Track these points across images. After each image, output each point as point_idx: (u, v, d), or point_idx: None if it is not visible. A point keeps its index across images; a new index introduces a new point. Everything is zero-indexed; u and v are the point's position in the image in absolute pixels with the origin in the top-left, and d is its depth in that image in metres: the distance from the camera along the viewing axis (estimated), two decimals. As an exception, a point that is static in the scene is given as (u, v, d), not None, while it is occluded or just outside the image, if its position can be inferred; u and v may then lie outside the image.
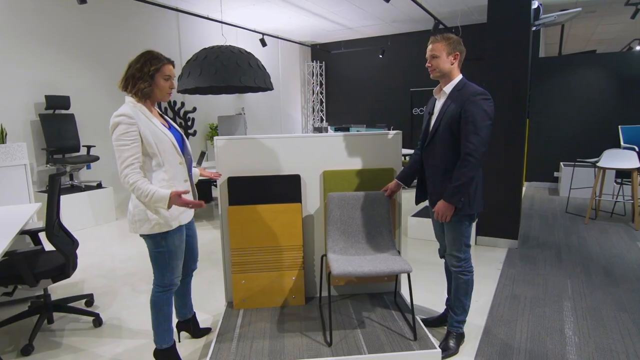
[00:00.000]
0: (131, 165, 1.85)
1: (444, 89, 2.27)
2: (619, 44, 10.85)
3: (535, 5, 4.28)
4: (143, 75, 1.92)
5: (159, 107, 6.33)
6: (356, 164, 2.77)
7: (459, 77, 2.25)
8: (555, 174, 7.30)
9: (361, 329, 2.41)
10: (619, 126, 6.36)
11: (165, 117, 2.18)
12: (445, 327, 2.55)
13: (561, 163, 6.95)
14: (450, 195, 2.13)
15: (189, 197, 2.08)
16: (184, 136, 2.18)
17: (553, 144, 7.22)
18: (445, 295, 2.66)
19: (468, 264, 2.32)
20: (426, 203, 2.55)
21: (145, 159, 1.93)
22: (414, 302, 2.85)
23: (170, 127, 2.10)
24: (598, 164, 4.93)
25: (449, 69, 2.22)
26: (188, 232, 2.23)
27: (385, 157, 2.78)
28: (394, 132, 2.77)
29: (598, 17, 7.91)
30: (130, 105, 1.93)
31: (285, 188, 2.68)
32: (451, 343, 2.36)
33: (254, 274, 2.69)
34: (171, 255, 2.03)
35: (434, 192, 2.33)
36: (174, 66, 2.05)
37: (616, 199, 5.67)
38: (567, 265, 3.63)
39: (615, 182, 5.99)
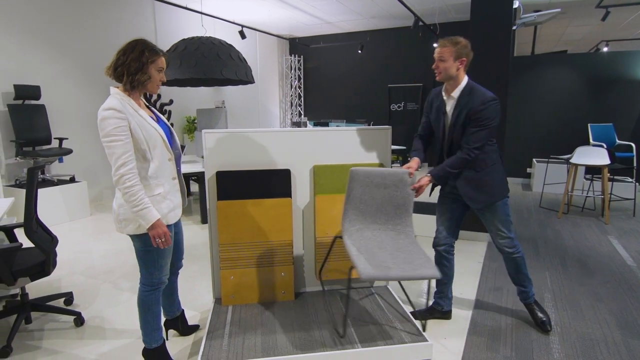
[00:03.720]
0: (127, 165, 1.75)
1: (452, 94, 2.32)
2: (587, 46, 11.27)
3: (516, 4, 4.38)
4: (142, 66, 1.82)
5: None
6: (346, 158, 2.77)
7: (465, 80, 2.30)
8: (528, 170, 7.54)
9: (352, 322, 2.42)
10: (589, 124, 6.61)
11: (152, 108, 2.10)
12: (433, 319, 2.61)
13: (534, 159, 7.17)
14: (440, 175, 2.28)
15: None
16: (172, 129, 2.10)
17: (526, 141, 7.44)
18: (433, 287, 2.70)
19: (518, 242, 2.46)
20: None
21: (136, 155, 1.83)
22: (400, 295, 2.89)
23: (158, 120, 2.02)
24: (571, 161, 5.12)
25: (455, 73, 2.26)
26: (175, 229, 2.16)
27: (375, 153, 2.79)
28: (384, 127, 2.78)
29: (568, 19, 8.18)
30: (117, 97, 1.81)
31: (275, 183, 2.65)
32: (539, 313, 2.54)
33: (243, 269, 2.65)
34: (160, 254, 1.95)
35: (467, 188, 2.37)
36: (166, 59, 1.97)
37: (587, 194, 5.91)
38: (545, 258, 3.76)
39: (585, 178, 6.24)
